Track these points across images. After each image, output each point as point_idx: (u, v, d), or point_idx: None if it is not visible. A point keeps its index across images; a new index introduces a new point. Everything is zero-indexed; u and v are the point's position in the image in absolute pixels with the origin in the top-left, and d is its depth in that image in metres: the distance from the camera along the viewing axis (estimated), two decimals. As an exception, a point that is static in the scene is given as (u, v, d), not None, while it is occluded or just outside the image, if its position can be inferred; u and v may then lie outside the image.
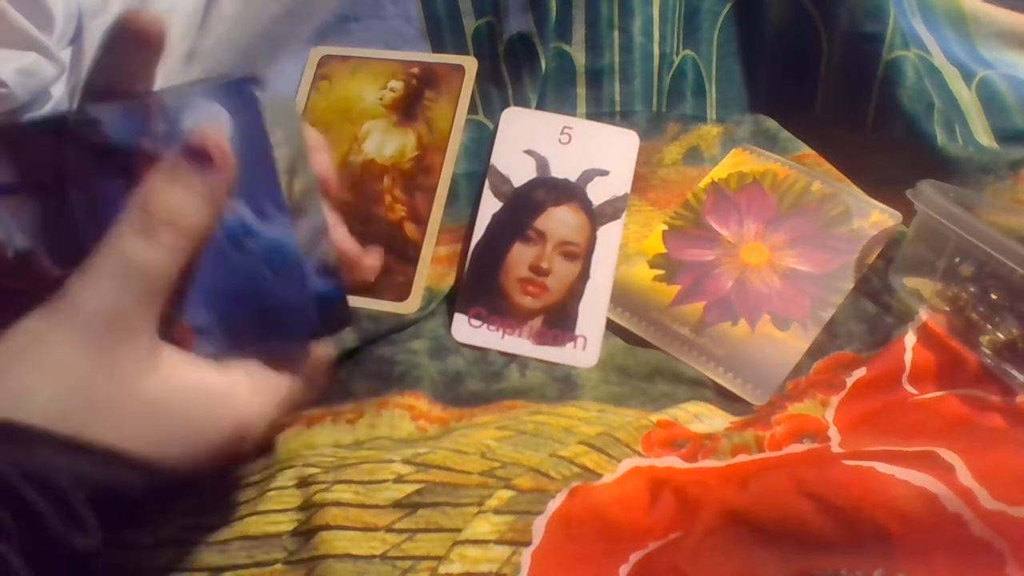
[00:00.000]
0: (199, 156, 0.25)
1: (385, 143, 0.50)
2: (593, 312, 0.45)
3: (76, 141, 0.25)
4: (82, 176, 0.26)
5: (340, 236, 0.31)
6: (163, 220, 0.25)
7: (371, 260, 0.33)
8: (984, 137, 0.50)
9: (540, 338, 0.44)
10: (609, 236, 0.46)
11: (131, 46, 0.28)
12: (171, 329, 0.27)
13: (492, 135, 0.50)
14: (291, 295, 0.27)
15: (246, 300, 0.27)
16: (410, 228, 0.47)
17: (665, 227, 0.48)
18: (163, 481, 0.26)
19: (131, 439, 0.25)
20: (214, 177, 0.26)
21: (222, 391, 0.27)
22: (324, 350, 0.31)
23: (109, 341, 0.25)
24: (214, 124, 0.26)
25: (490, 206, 0.48)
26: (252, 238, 0.27)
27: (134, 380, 0.25)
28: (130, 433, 0.25)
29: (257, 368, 0.28)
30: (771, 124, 0.53)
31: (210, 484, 0.31)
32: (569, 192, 0.47)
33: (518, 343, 0.44)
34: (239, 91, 0.26)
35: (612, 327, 0.45)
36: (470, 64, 0.51)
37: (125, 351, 0.25)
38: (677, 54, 0.54)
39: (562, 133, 0.49)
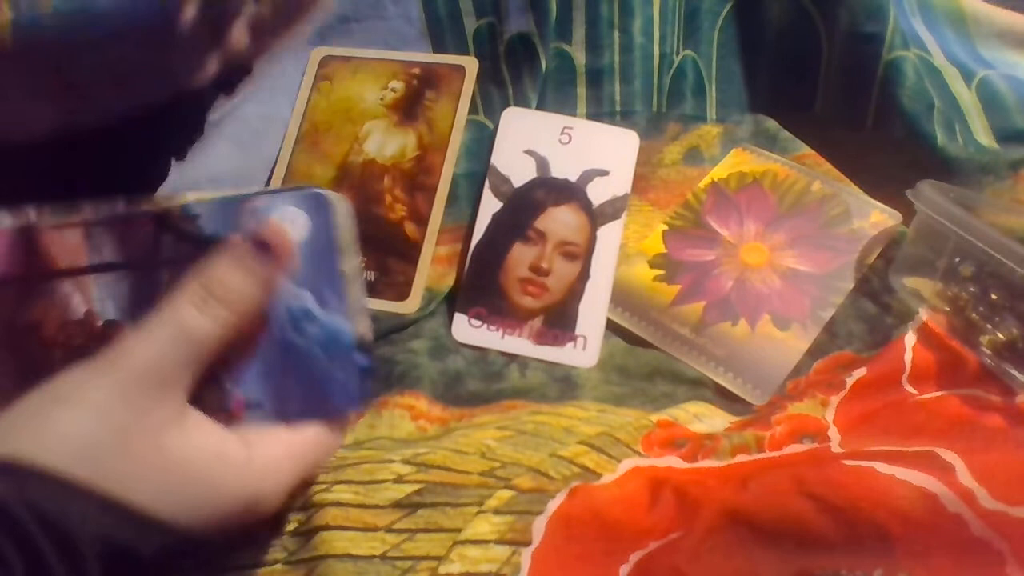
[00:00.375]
0: (263, 247, 0.28)
1: (386, 143, 0.50)
2: (593, 312, 0.45)
3: (175, 231, 0.29)
4: (175, 262, 0.29)
5: None
6: (218, 296, 0.27)
7: None
8: (984, 137, 0.50)
9: (540, 338, 0.44)
10: (609, 236, 0.46)
11: None
12: (226, 400, 0.29)
13: (492, 135, 0.50)
14: (340, 375, 0.30)
15: (299, 378, 0.30)
16: (410, 228, 0.47)
17: (665, 227, 0.48)
18: (175, 544, 0.26)
19: (147, 493, 0.25)
20: (272, 267, 0.28)
21: (240, 461, 0.28)
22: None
23: (147, 396, 0.26)
24: (292, 224, 0.29)
25: (490, 206, 0.48)
26: (312, 323, 0.30)
27: (160, 436, 0.26)
28: (148, 487, 0.25)
29: (281, 443, 0.29)
30: (771, 124, 0.53)
31: (220, 546, 0.31)
32: (569, 192, 0.47)
33: (518, 343, 0.44)
34: (317, 199, 0.30)
35: (612, 327, 0.45)
36: (471, 64, 0.51)
37: (159, 408, 0.26)
38: (677, 54, 0.54)
39: (562, 133, 0.49)
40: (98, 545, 0.24)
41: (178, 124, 0.49)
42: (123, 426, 0.25)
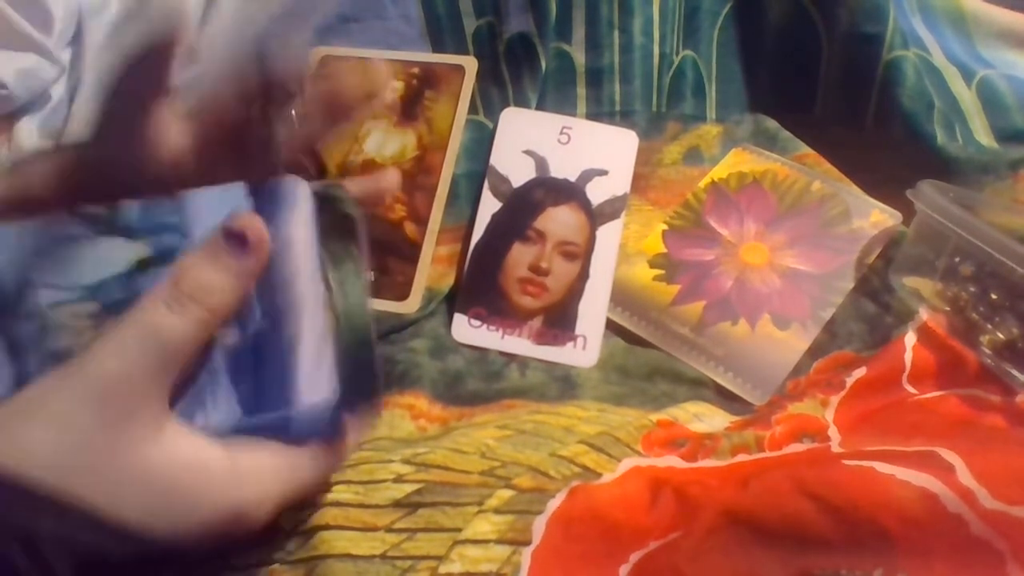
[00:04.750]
0: (236, 238, 0.27)
1: (385, 143, 0.50)
2: (593, 312, 0.45)
3: None
4: None
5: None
6: (191, 294, 0.26)
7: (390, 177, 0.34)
8: (984, 137, 0.50)
9: (540, 338, 0.44)
10: (609, 236, 0.46)
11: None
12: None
13: (492, 135, 0.50)
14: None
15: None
16: (410, 228, 0.47)
17: (665, 227, 0.48)
18: (149, 549, 0.26)
19: (122, 505, 0.25)
20: (247, 260, 0.27)
21: (223, 472, 0.27)
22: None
23: (119, 405, 0.25)
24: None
25: (490, 206, 0.48)
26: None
27: (136, 447, 0.25)
28: (122, 499, 0.25)
29: (268, 453, 0.28)
30: (771, 124, 0.53)
31: (200, 558, 0.30)
32: (568, 192, 0.47)
33: (518, 343, 0.44)
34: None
35: (612, 327, 0.45)
36: (470, 64, 0.51)
37: (133, 417, 0.25)
38: (677, 54, 0.54)
39: (561, 133, 0.49)
40: (68, 553, 0.24)
41: None
42: (92, 438, 0.24)
